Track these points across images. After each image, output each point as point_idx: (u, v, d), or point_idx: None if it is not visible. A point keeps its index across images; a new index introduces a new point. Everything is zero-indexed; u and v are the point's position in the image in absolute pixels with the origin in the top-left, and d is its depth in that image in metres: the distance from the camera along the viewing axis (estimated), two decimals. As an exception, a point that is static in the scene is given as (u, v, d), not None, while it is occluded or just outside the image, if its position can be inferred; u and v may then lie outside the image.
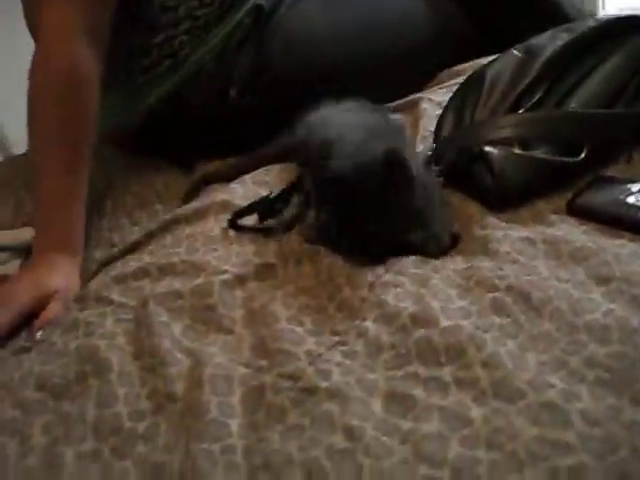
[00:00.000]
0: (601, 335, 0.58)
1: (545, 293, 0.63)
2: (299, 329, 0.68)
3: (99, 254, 0.93)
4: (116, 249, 0.92)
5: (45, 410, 0.65)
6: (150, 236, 0.89)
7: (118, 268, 0.84)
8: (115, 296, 0.79)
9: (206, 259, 0.80)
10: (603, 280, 0.64)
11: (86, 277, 0.88)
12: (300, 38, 1.06)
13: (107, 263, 0.88)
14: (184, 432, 0.59)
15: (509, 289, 0.65)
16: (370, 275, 0.71)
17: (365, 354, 0.63)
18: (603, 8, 2.17)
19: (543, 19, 0.97)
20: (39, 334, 0.77)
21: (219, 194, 0.92)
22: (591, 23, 0.87)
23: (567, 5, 1.22)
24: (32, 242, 0.89)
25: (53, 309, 0.80)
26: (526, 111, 0.81)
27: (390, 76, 1.12)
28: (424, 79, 1.15)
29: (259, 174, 0.95)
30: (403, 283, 0.70)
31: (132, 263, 0.84)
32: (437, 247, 0.74)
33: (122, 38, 0.99)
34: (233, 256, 0.80)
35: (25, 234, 0.94)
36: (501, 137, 0.79)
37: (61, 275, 0.85)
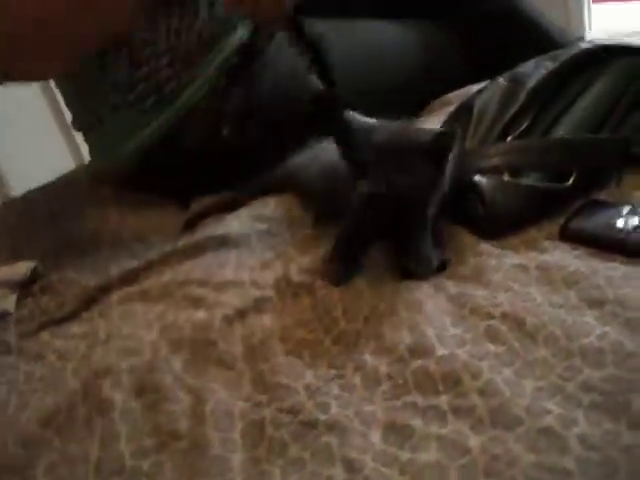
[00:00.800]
0: (596, 359, 0.59)
1: (539, 319, 0.64)
2: (298, 362, 0.69)
3: (95, 281, 0.92)
4: (115, 277, 0.91)
5: (49, 449, 0.66)
6: (148, 268, 0.89)
7: (116, 299, 0.85)
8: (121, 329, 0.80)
9: (205, 292, 0.81)
10: (596, 303, 0.65)
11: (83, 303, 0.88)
12: (287, 76, 1.07)
13: (104, 290, 0.88)
14: (187, 470, 0.60)
15: (503, 316, 0.66)
16: (365, 308, 0.72)
17: (363, 387, 0.64)
18: (589, 29, 2.20)
19: (533, 48, 0.98)
20: None
21: (216, 228, 0.93)
22: (574, 51, 0.89)
23: (556, 33, 1.24)
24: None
25: None
26: (514, 139, 0.83)
27: (382, 108, 1.14)
28: (416, 109, 1.17)
29: (255, 207, 0.96)
30: (397, 311, 0.71)
31: (132, 295, 0.85)
32: (426, 269, 0.76)
33: (107, 73, 1.01)
34: (231, 289, 0.80)
35: (21, 269, 0.95)
36: (491, 166, 0.81)
37: None
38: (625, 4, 2.34)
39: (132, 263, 0.90)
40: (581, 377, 0.58)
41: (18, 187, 1.65)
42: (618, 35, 2.11)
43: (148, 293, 0.84)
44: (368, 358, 0.67)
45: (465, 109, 0.90)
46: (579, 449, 0.52)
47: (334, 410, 0.62)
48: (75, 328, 0.82)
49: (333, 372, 0.67)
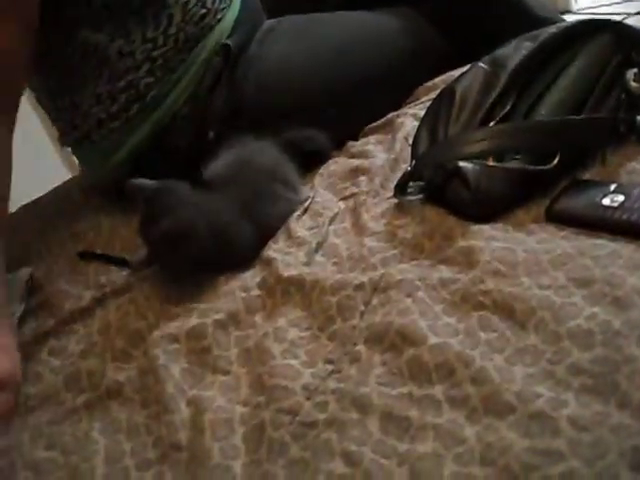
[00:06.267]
0: (584, 340, 0.59)
1: (528, 304, 0.64)
2: (294, 362, 0.69)
3: (89, 292, 0.93)
4: (107, 289, 0.92)
5: (57, 468, 0.67)
6: (140, 278, 0.90)
7: (112, 311, 0.86)
8: (116, 342, 0.81)
9: (197, 298, 0.82)
10: (584, 283, 0.65)
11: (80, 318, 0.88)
12: (273, 74, 1.07)
13: (99, 301, 0.89)
14: (189, 480, 0.61)
15: (494, 305, 0.66)
16: (361, 303, 0.73)
17: (358, 374, 0.65)
18: (576, 3, 2.19)
19: (515, 26, 0.98)
20: None
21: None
22: (552, 30, 0.88)
23: (538, 8, 1.24)
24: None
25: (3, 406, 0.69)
26: (497, 123, 0.83)
27: (368, 98, 1.14)
28: (402, 97, 1.17)
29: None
30: (391, 299, 0.71)
31: (126, 307, 0.86)
32: None
33: (88, 88, 1.01)
34: (221, 294, 0.81)
35: (21, 276, 0.96)
36: (474, 151, 0.81)
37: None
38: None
39: (124, 273, 0.91)
40: (570, 360, 0.58)
41: (14, 202, 1.66)
42: (604, 5, 2.11)
43: (140, 304, 0.85)
44: (362, 348, 0.68)
45: (447, 94, 0.90)
46: (570, 431, 0.53)
47: (332, 407, 0.63)
48: (73, 345, 0.83)
49: (330, 367, 0.68)
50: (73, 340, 0.84)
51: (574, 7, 2.19)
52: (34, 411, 0.75)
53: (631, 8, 2.06)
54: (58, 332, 0.86)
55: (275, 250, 0.86)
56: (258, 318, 0.77)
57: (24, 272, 0.98)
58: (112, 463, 0.65)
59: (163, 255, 0.86)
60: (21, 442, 0.71)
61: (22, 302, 0.94)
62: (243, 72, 1.06)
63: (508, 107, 0.84)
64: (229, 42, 1.05)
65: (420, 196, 0.86)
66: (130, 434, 0.68)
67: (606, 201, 0.73)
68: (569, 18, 2.13)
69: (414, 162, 0.88)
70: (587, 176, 0.80)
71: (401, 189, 0.87)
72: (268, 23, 1.16)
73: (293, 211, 0.93)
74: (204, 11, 1.04)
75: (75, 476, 0.65)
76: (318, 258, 0.83)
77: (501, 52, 0.90)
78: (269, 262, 0.84)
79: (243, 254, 0.87)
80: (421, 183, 0.87)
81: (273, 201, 0.93)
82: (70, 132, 1.08)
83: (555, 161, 0.79)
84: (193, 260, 0.83)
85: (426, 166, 0.86)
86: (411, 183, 0.87)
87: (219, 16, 1.06)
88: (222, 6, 1.07)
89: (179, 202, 0.85)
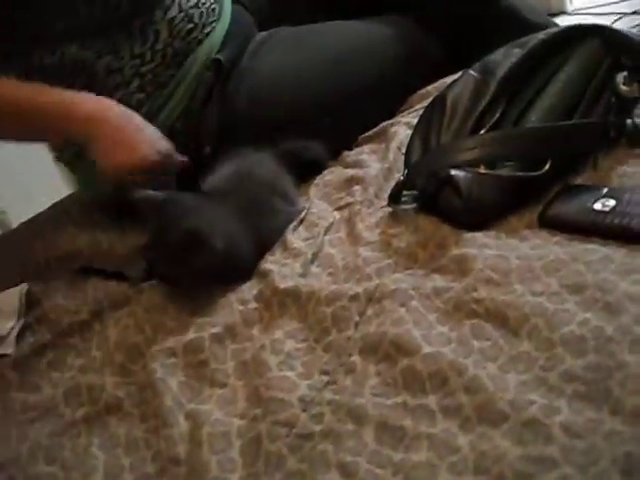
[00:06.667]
0: (577, 347, 0.60)
1: (521, 312, 0.65)
2: (290, 374, 0.70)
3: (88, 308, 0.93)
4: (105, 303, 0.92)
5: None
6: (138, 292, 0.91)
7: (110, 326, 0.86)
8: (114, 357, 0.81)
9: (194, 312, 0.83)
10: (577, 289, 0.66)
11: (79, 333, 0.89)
12: (265, 87, 1.07)
13: (97, 315, 0.90)
14: (187, 494, 0.61)
15: (486, 313, 0.67)
16: (355, 314, 0.73)
17: (353, 385, 0.66)
18: (571, 3, 2.19)
19: (507, 32, 0.98)
20: None
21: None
22: (541, 36, 0.89)
23: (529, 13, 1.24)
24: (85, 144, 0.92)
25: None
26: (488, 131, 0.83)
27: (361, 107, 1.14)
28: (396, 105, 1.17)
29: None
30: (385, 309, 0.72)
31: (124, 321, 0.86)
32: None
33: None
34: (219, 307, 0.82)
35: (15, 295, 0.97)
36: (466, 159, 0.81)
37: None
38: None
39: (121, 288, 0.92)
40: (563, 367, 0.59)
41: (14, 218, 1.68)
42: (600, 6, 2.11)
43: (139, 317, 0.85)
44: (357, 359, 0.68)
45: (438, 103, 0.91)
46: (563, 438, 0.53)
47: (328, 418, 0.63)
48: (72, 359, 0.84)
49: (325, 379, 0.68)
50: (72, 354, 0.85)
51: (569, 8, 2.19)
52: (34, 423, 0.76)
53: (626, 8, 2.06)
54: (57, 346, 0.87)
55: (272, 262, 0.87)
56: (255, 331, 0.78)
57: (20, 288, 0.99)
58: (111, 478, 0.66)
59: (175, 262, 0.85)
60: (20, 454, 0.71)
61: (20, 317, 0.95)
62: (235, 86, 1.06)
63: (498, 114, 0.84)
64: (220, 57, 1.05)
65: (414, 205, 0.87)
66: (129, 449, 0.69)
67: (598, 206, 0.74)
68: (564, 19, 2.14)
69: (407, 171, 0.89)
70: (579, 181, 0.80)
71: (395, 198, 0.87)
72: (260, 36, 1.16)
73: (291, 223, 0.93)
74: (191, 26, 1.05)
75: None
76: (314, 269, 0.83)
77: (491, 59, 0.91)
78: (266, 274, 0.84)
79: (245, 267, 0.88)
80: (414, 192, 0.88)
81: (272, 215, 0.94)
82: (65, 150, 1.09)
83: (546, 167, 0.79)
84: (203, 269, 0.84)
85: (419, 175, 0.86)
86: (405, 192, 0.88)
87: (207, 30, 1.07)
88: (210, 20, 1.08)
89: (189, 211, 0.86)
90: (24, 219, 1.27)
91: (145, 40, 1.01)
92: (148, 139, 0.92)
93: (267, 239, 0.91)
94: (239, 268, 0.87)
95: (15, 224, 1.42)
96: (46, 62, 0.98)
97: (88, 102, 0.92)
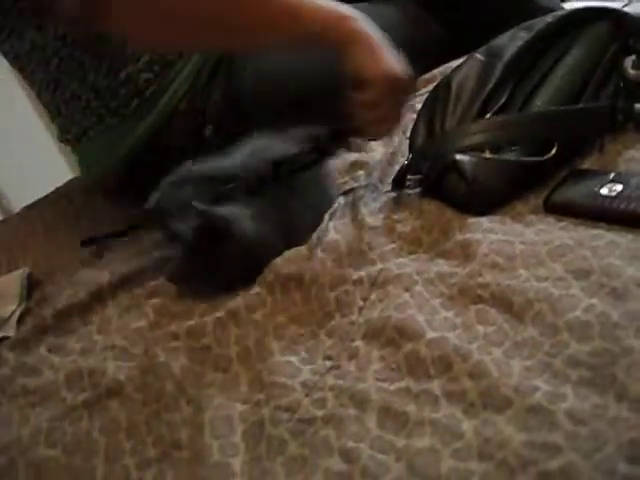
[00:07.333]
0: (582, 332, 0.59)
1: (525, 297, 0.64)
2: (293, 359, 0.70)
3: (89, 292, 0.92)
4: (106, 279, 0.92)
5: (57, 468, 0.67)
6: (141, 274, 0.90)
7: (112, 308, 0.86)
8: (117, 340, 0.81)
9: (197, 296, 0.83)
10: (582, 275, 0.65)
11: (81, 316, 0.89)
12: (270, 66, 1.07)
13: (99, 299, 0.89)
14: (189, 478, 0.61)
15: (491, 298, 0.66)
16: (359, 299, 0.73)
17: (356, 370, 0.66)
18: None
19: (516, 19, 0.97)
20: None
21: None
22: (548, 19, 0.88)
23: (541, 4, 1.22)
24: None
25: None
26: (493, 115, 0.83)
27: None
28: None
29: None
30: (389, 294, 0.71)
31: (126, 303, 0.86)
32: None
33: (88, 81, 1.01)
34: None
35: (17, 278, 0.97)
36: (471, 144, 0.81)
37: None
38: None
39: (123, 270, 0.91)
40: (568, 352, 0.58)
41: (17, 202, 1.67)
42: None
43: (141, 302, 0.85)
44: (360, 344, 0.68)
45: (443, 87, 0.90)
46: (568, 424, 0.53)
47: (330, 404, 0.63)
48: (72, 343, 0.83)
49: (328, 364, 0.68)
50: (73, 338, 0.84)
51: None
52: (35, 407, 0.76)
53: (633, -7, 2.04)
54: (57, 329, 0.87)
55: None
56: (258, 315, 0.77)
57: (21, 272, 0.99)
58: (112, 462, 0.65)
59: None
60: (21, 438, 0.71)
61: (22, 301, 0.95)
62: (240, 66, 1.06)
63: (504, 98, 0.84)
64: None
65: (418, 189, 0.86)
66: (130, 433, 0.68)
67: (604, 191, 0.73)
68: (571, 3, 2.12)
69: (411, 155, 0.88)
70: (585, 165, 0.80)
71: (399, 183, 0.87)
72: None
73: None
74: None
75: (76, 476, 0.66)
76: (319, 254, 0.83)
77: (497, 42, 0.90)
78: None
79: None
80: (419, 176, 0.87)
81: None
82: (69, 128, 1.08)
83: (553, 152, 0.78)
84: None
85: (423, 159, 0.86)
86: (409, 176, 0.87)
87: None
88: None
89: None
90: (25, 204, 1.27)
91: None
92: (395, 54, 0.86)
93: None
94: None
95: (16, 209, 1.43)
96: (60, 31, 0.97)
97: (333, 6, 0.85)
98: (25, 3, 0.94)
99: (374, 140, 1.02)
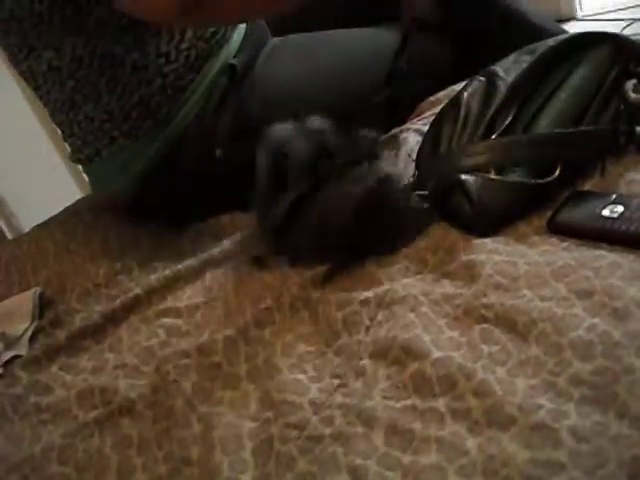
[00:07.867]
0: (585, 351, 0.60)
1: (529, 316, 0.65)
2: (302, 377, 0.71)
3: (100, 308, 0.94)
4: (118, 301, 0.93)
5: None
6: (151, 293, 0.92)
7: (123, 328, 0.88)
8: (128, 359, 0.82)
9: (206, 315, 0.84)
10: (585, 295, 0.66)
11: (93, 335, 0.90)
12: (277, 92, 1.09)
13: (111, 319, 0.90)
14: (200, 495, 0.62)
15: (495, 318, 0.67)
16: (366, 319, 0.74)
17: (363, 388, 0.67)
18: (580, 9, 2.20)
19: (517, 43, 0.99)
20: None
21: (212, 250, 0.96)
22: (551, 43, 0.90)
23: (537, 20, 1.25)
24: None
25: None
26: (498, 136, 0.84)
27: (371, 112, 1.15)
28: (406, 111, 1.18)
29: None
30: (395, 314, 0.73)
31: (137, 324, 0.88)
32: None
33: (102, 103, 1.03)
34: (233, 308, 0.83)
35: (28, 298, 0.98)
36: (476, 164, 0.82)
37: None
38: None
39: (134, 290, 0.93)
40: (571, 370, 0.59)
41: (27, 222, 1.69)
42: (609, 12, 2.11)
43: (151, 320, 0.86)
44: (367, 363, 0.69)
45: (451, 108, 0.92)
46: (571, 441, 0.54)
47: (338, 421, 0.64)
48: (84, 361, 0.85)
49: (336, 382, 0.69)
50: (84, 357, 0.86)
51: (578, 14, 2.20)
52: (47, 424, 0.77)
53: (636, 14, 2.07)
54: (69, 348, 0.88)
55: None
56: (267, 333, 0.78)
57: (33, 291, 1.00)
58: (124, 478, 0.67)
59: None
60: (33, 455, 0.73)
61: (34, 319, 0.96)
62: (248, 91, 1.08)
63: (508, 120, 0.85)
64: (235, 62, 1.06)
65: (423, 206, 0.87)
66: (141, 449, 0.70)
67: (606, 212, 0.74)
68: (573, 25, 2.15)
69: (416, 173, 0.90)
70: (587, 187, 0.81)
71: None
72: (273, 41, 1.17)
73: None
74: (214, 28, 1.06)
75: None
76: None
77: (500, 66, 0.91)
78: (277, 277, 0.85)
79: None
80: (424, 192, 0.88)
81: None
82: (82, 148, 1.10)
83: (556, 173, 0.80)
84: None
85: (428, 178, 0.87)
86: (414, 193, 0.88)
87: (228, 34, 1.08)
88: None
89: None
90: (35, 223, 1.29)
91: (171, 38, 1.02)
92: None
93: None
94: None
95: (27, 228, 1.45)
96: (77, 54, 0.99)
97: None
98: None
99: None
